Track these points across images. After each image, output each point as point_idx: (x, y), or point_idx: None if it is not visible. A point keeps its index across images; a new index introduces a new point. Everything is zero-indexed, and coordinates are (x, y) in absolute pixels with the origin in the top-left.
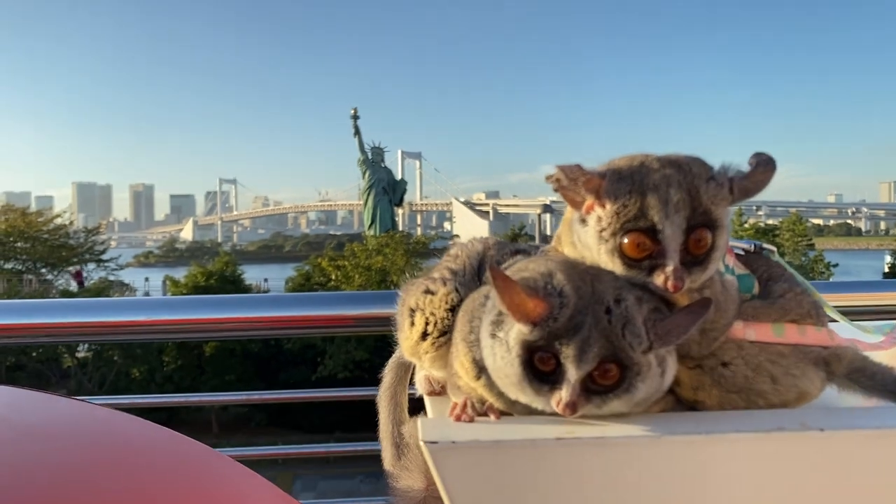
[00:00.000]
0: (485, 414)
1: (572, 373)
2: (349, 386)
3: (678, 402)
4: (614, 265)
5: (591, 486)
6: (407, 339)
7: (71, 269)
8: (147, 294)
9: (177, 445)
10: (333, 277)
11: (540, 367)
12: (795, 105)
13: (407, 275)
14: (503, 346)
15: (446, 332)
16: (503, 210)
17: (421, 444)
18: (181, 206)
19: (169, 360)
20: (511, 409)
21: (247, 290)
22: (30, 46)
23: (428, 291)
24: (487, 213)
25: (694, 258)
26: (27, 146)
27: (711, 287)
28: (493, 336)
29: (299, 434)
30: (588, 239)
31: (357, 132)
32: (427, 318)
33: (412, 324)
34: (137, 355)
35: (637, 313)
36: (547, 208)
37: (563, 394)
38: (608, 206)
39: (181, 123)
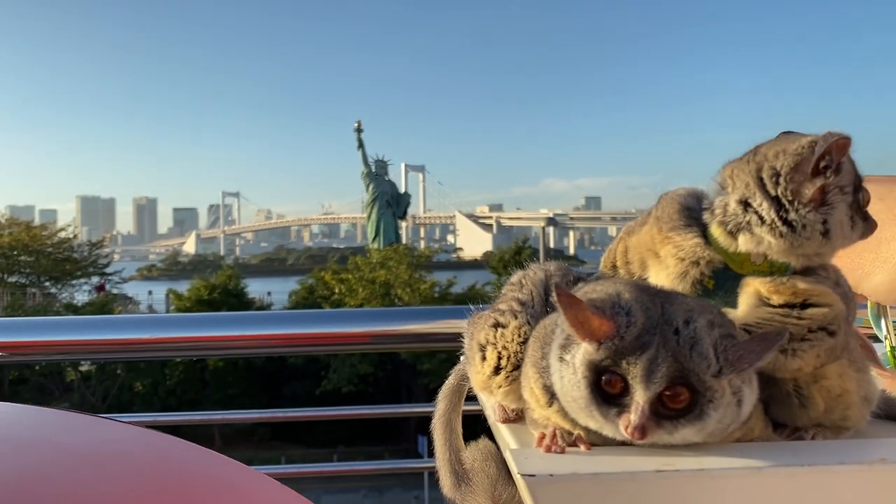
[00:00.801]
0: (574, 444)
1: (640, 394)
2: (353, 399)
3: (763, 428)
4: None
5: None
6: (478, 374)
7: (94, 281)
8: (151, 307)
9: (224, 468)
10: (337, 291)
11: (608, 389)
12: (795, 108)
13: (411, 290)
14: (570, 369)
15: (520, 366)
16: (506, 223)
17: (516, 476)
18: (184, 219)
19: (172, 373)
20: (587, 438)
21: (250, 303)
22: (32, 60)
23: (498, 325)
24: (491, 226)
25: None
26: (31, 160)
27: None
28: (561, 359)
29: (302, 448)
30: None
31: (360, 145)
32: (500, 353)
33: (483, 358)
34: (141, 369)
35: (706, 335)
36: (551, 221)
37: (632, 417)
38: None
39: (184, 136)
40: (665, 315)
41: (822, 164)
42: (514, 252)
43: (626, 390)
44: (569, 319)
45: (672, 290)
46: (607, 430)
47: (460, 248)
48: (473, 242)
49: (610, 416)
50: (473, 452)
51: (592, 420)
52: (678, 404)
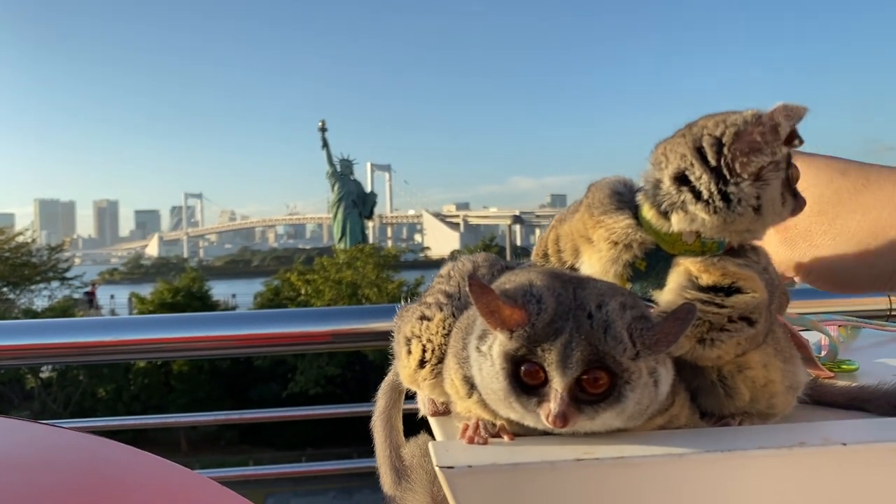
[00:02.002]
0: (497, 435)
1: (558, 381)
2: (321, 401)
3: (689, 416)
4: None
5: None
6: (405, 368)
7: (53, 286)
8: (113, 312)
9: (163, 472)
10: (303, 292)
11: (527, 380)
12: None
13: (378, 290)
14: (488, 361)
15: (444, 360)
16: (473, 222)
17: (436, 469)
18: (146, 221)
19: (136, 378)
20: (510, 428)
21: (214, 306)
22: None
23: (424, 318)
24: (458, 224)
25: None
26: None
27: (768, 268)
28: (479, 350)
29: (271, 451)
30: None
31: (325, 144)
32: (424, 346)
33: (409, 352)
34: (104, 374)
35: (619, 318)
36: (517, 219)
37: (552, 405)
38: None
39: (146, 138)
40: (577, 300)
41: (793, 136)
42: (481, 250)
43: (545, 380)
44: (480, 309)
45: (585, 276)
46: (529, 421)
47: (428, 248)
48: (441, 241)
49: (530, 407)
50: (412, 448)
51: (513, 411)
52: (597, 388)
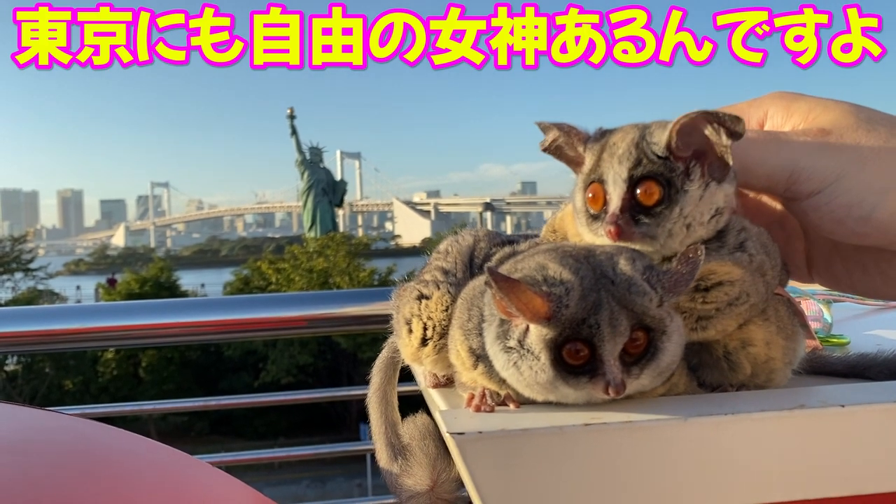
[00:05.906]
0: (503, 403)
1: (609, 351)
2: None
3: (687, 383)
4: (586, 220)
5: (619, 470)
6: (407, 347)
7: (17, 277)
8: (79, 303)
9: (161, 455)
10: (274, 281)
11: (571, 361)
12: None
13: (349, 278)
14: (528, 357)
15: (446, 334)
16: (444, 209)
17: (445, 435)
18: (112, 211)
19: (104, 370)
20: (519, 398)
21: (183, 296)
22: None
23: (422, 297)
24: (429, 212)
25: (644, 208)
26: None
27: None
28: (508, 349)
29: (242, 441)
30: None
31: (294, 132)
32: (425, 324)
33: (410, 331)
34: (70, 367)
35: (635, 272)
36: (488, 206)
37: (609, 376)
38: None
39: (111, 126)
40: (595, 269)
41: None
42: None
43: (589, 354)
44: (513, 304)
45: (586, 245)
46: (574, 399)
47: (399, 236)
48: (412, 229)
49: (581, 385)
50: (411, 429)
51: (556, 394)
52: (638, 348)
